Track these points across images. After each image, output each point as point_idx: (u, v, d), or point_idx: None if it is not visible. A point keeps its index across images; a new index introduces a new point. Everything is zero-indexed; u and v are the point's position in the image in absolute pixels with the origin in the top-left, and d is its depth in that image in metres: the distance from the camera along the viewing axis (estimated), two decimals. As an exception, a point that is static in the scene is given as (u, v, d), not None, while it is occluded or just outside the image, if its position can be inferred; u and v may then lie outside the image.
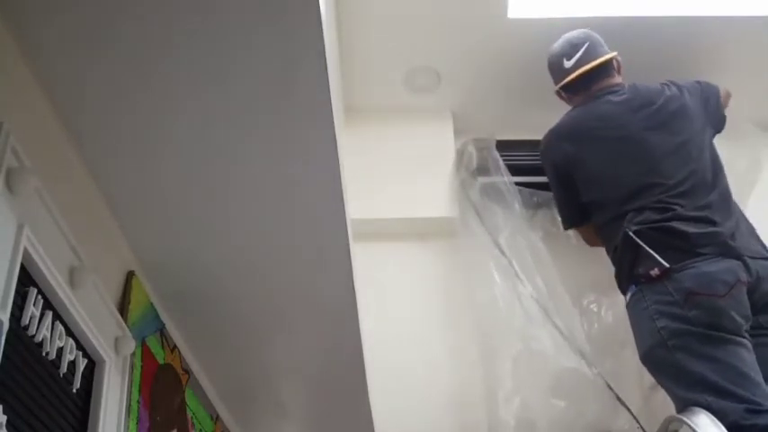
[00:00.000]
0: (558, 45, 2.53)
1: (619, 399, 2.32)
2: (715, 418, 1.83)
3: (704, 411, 1.86)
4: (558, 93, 2.56)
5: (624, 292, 2.24)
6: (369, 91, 2.85)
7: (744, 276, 2.05)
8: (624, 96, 2.43)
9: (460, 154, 2.84)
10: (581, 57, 2.49)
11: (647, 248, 2.12)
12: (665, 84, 2.49)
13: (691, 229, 2.13)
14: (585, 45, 2.50)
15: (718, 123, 2.48)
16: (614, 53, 2.51)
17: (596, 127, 2.42)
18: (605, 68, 2.50)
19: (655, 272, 2.08)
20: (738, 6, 2.63)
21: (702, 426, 1.83)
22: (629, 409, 2.32)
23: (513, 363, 2.46)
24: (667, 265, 2.07)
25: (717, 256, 2.08)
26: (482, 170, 2.77)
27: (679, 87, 2.48)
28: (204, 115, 1.32)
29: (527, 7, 2.61)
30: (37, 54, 1.19)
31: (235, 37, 1.19)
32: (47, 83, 1.23)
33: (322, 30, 1.18)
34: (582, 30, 2.53)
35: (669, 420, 1.99)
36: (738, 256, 2.08)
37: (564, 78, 2.51)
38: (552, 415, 2.37)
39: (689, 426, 1.85)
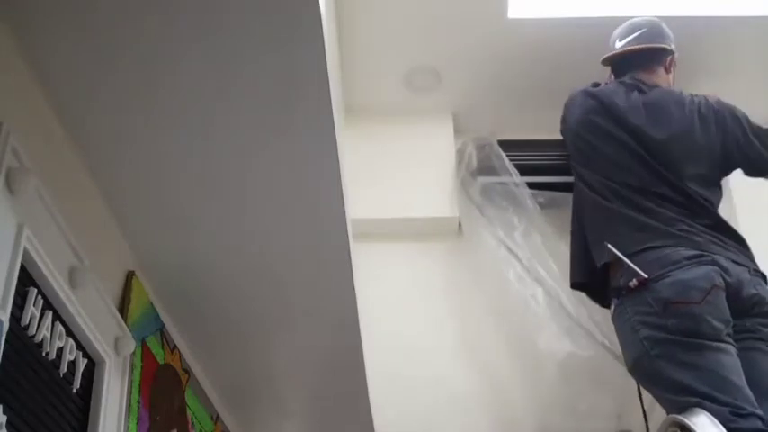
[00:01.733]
0: (621, 25, 2.55)
1: (639, 394, 2.32)
2: (714, 419, 1.83)
3: (704, 412, 1.86)
4: (610, 74, 2.59)
5: (609, 305, 2.24)
6: (369, 91, 2.85)
7: (719, 281, 2.05)
8: (643, 100, 2.41)
9: (461, 154, 2.84)
10: (631, 40, 2.51)
11: (626, 260, 2.12)
12: (694, 97, 2.47)
13: (669, 241, 2.14)
14: (642, 30, 2.50)
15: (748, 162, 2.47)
16: (666, 46, 2.50)
17: (609, 114, 2.41)
18: (646, 57, 2.49)
19: (633, 283, 2.08)
20: (739, 6, 2.63)
21: (702, 425, 1.83)
22: (642, 404, 2.32)
23: (533, 360, 2.45)
24: (645, 276, 2.07)
25: (692, 263, 2.08)
26: (482, 170, 2.77)
27: (713, 111, 2.44)
28: (204, 116, 1.32)
29: (527, 7, 2.61)
30: (37, 54, 1.19)
31: (235, 37, 1.19)
32: (47, 83, 1.23)
33: (322, 29, 1.18)
34: (650, 17, 2.53)
35: (669, 421, 1.99)
36: (714, 262, 2.08)
37: (608, 54, 2.53)
38: (570, 413, 2.37)
39: (689, 426, 1.86)
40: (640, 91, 2.42)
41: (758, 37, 2.71)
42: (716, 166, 2.40)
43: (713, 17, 2.65)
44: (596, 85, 2.52)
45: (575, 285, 2.41)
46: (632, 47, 2.50)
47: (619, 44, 2.53)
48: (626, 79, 2.47)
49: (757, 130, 2.44)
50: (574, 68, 2.64)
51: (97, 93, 1.26)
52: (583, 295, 2.47)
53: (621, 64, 2.52)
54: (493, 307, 2.60)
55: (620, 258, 2.14)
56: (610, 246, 2.18)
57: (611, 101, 2.41)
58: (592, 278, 2.32)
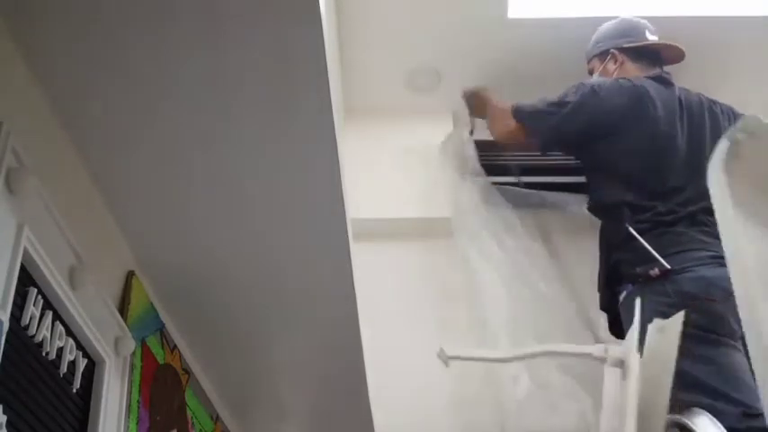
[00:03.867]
0: (640, 19, 2.56)
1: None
2: (715, 419, 1.82)
3: (704, 412, 1.86)
4: (613, 53, 2.56)
5: (618, 293, 2.24)
6: (369, 91, 2.85)
7: None
8: (678, 95, 2.42)
9: (446, 149, 2.83)
10: (660, 37, 2.54)
11: (649, 248, 2.12)
12: (712, 102, 2.48)
13: (693, 234, 2.14)
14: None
15: None
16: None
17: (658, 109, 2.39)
18: (668, 58, 2.54)
19: (655, 272, 2.08)
20: (739, 6, 2.63)
21: (702, 426, 1.83)
22: None
23: (528, 360, 2.45)
24: (668, 267, 2.07)
25: (715, 263, 2.08)
26: (463, 168, 2.76)
27: (722, 109, 2.47)
28: (204, 116, 1.32)
29: (527, 7, 2.61)
30: (37, 54, 1.19)
31: (235, 37, 1.19)
32: (47, 83, 1.23)
33: (322, 30, 1.18)
34: None
35: (669, 421, 1.99)
36: None
37: (641, 42, 2.53)
38: (567, 413, 2.37)
39: (689, 426, 1.85)
40: (670, 88, 2.44)
41: (758, 37, 2.71)
42: None
43: (713, 17, 2.65)
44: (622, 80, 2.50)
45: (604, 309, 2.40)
46: (672, 43, 2.52)
47: (651, 36, 2.54)
48: (660, 73, 2.48)
49: None
50: (574, 69, 2.64)
51: (97, 93, 1.26)
52: (575, 295, 2.47)
53: (652, 55, 2.53)
54: (488, 307, 2.59)
55: (645, 253, 2.13)
56: (631, 229, 2.18)
57: (648, 95, 2.39)
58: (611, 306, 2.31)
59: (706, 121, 2.41)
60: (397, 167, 2.80)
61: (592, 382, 2.41)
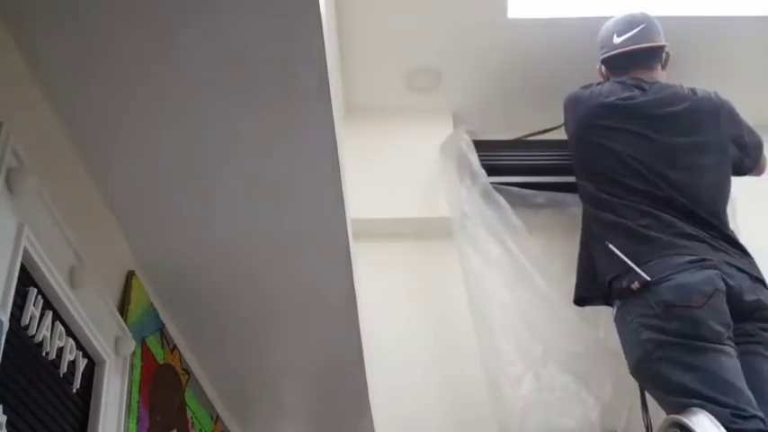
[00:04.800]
0: (614, 20, 2.51)
1: (642, 395, 2.31)
2: (714, 419, 1.83)
3: (704, 412, 1.86)
4: (599, 68, 2.55)
5: (612, 305, 2.24)
6: (369, 91, 2.85)
7: (721, 285, 2.05)
8: (647, 99, 2.39)
9: (448, 151, 2.82)
10: (632, 36, 2.47)
11: (629, 262, 2.12)
12: (700, 92, 2.45)
13: (671, 251, 2.14)
14: (641, 26, 2.47)
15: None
16: (665, 43, 2.48)
17: (608, 116, 2.40)
18: (650, 55, 2.47)
19: (636, 285, 2.08)
20: (738, 6, 2.63)
21: (702, 426, 1.83)
22: (645, 405, 2.30)
23: (513, 364, 2.45)
24: (648, 278, 2.07)
25: (695, 267, 2.08)
26: (464, 169, 2.77)
27: (711, 102, 2.44)
28: (204, 115, 1.32)
29: (527, 7, 2.61)
30: (38, 54, 1.19)
31: (235, 37, 1.19)
32: (47, 83, 1.23)
33: (322, 30, 1.18)
34: (643, 12, 2.51)
35: (669, 421, 1.99)
36: (716, 266, 2.08)
37: (609, 52, 2.50)
38: (566, 414, 2.37)
39: (689, 426, 1.86)
40: (641, 89, 2.41)
41: (757, 37, 2.71)
42: (724, 161, 2.39)
43: (713, 17, 2.65)
44: (588, 86, 2.50)
45: (578, 302, 2.39)
46: (637, 45, 2.47)
47: (618, 40, 2.49)
48: (626, 79, 2.45)
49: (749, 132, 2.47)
50: (574, 69, 2.64)
51: (97, 93, 1.26)
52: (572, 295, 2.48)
53: (623, 62, 2.48)
54: (489, 307, 2.59)
55: (622, 262, 2.14)
56: (611, 246, 2.18)
57: (611, 102, 2.40)
58: (596, 291, 2.31)
59: (684, 117, 2.37)
60: (396, 167, 2.80)
61: (595, 383, 2.42)
